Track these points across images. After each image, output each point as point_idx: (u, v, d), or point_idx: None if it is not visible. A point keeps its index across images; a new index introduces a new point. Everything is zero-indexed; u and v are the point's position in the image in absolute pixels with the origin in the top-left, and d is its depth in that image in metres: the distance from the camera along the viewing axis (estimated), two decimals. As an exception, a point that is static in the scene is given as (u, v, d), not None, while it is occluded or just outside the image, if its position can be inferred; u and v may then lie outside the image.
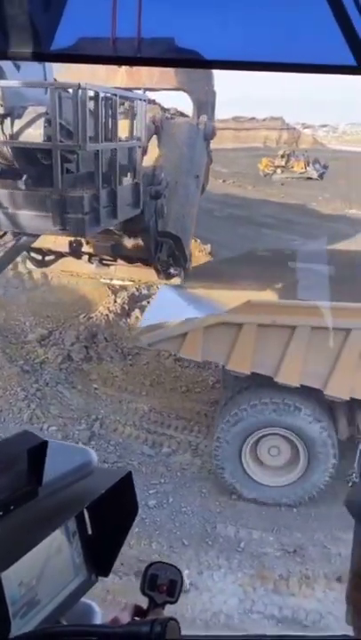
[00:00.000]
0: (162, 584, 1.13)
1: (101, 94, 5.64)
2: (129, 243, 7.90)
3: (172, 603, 1.12)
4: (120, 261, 8.67)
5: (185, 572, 5.95)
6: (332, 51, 0.92)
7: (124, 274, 9.50)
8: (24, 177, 5.78)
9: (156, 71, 7.72)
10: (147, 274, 9.03)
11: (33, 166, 5.81)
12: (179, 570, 1.12)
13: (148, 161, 7.80)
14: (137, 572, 5.93)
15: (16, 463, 1.09)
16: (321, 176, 29.36)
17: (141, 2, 0.99)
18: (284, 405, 7.27)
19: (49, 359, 10.06)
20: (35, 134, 5.57)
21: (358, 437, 7.34)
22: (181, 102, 9.01)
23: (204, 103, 8.55)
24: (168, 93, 8.82)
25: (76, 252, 8.10)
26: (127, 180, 6.89)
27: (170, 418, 9.01)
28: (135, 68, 7.38)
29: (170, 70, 7.49)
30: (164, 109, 9.18)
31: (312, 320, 7.07)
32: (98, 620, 1.26)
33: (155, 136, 8.11)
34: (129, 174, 6.98)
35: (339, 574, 6.24)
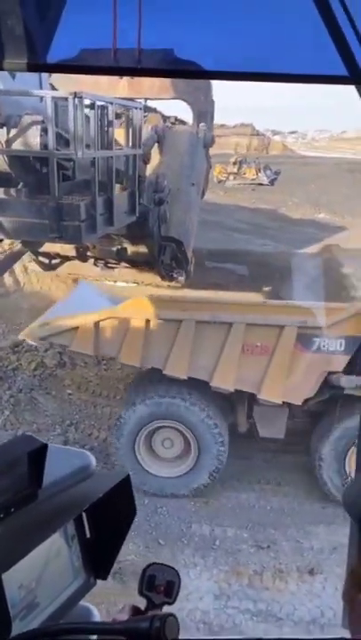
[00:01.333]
0: (159, 585, 1.12)
1: (97, 103, 5.72)
2: (133, 247, 8.11)
3: (169, 603, 1.11)
4: (124, 264, 8.86)
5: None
6: (325, 62, 0.97)
7: (127, 276, 9.60)
8: (20, 184, 5.80)
9: (156, 81, 7.93)
10: (150, 276, 9.25)
11: (29, 174, 5.84)
12: (176, 571, 1.11)
13: (151, 168, 8.03)
14: (113, 574, 5.93)
15: (16, 466, 1.10)
16: (272, 182, 29.90)
17: (142, 15, 1.04)
18: (173, 398, 7.48)
19: (22, 366, 9.97)
20: (31, 142, 5.59)
21: (257, 431, 7.75)
22: (181, 110, 9.28)
23: (204, 112, 8.91)
24: (168, 102, 9.12)
25: (82, 255, 8.29)
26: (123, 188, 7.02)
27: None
28: (136, 79, 7.52)
29: (170, 80, 7.66)
30: (165, 118, 9.42)
31: (197, 314, 7.36)
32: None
33: (156, 144, 8.33)
34: (125, 182, 7.11)
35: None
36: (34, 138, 5.54)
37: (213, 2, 1.04)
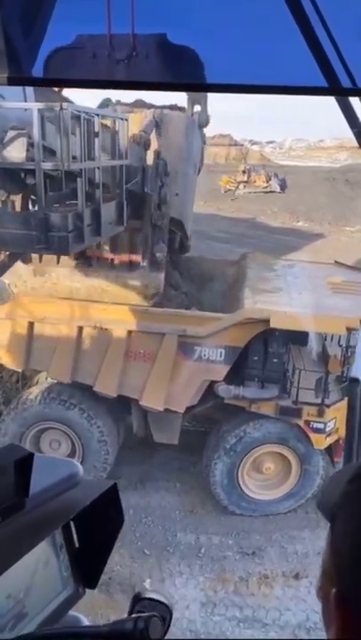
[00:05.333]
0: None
1: (83, 115, 5.76)
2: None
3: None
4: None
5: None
6: (305, 74, 0.99)
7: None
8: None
9: (152, 67, 8.00)
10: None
11: (17, 186, 5.88)
12: (168, 606, 1.06)
13: (151, 153, 8.21)
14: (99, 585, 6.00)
15: (3, 475, 1.09)
16: (283, 189, 29.88)
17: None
18: (61, 401, 7.77)
19: None
20: (17, 155, 5.62)
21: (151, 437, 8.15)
22: (180, 97, 9.62)
23: (198, 95, 9.30)
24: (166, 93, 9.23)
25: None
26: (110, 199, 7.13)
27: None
28: (133, 66, 7.58)
29: (165, 66, 7.80)
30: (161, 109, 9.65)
31: (81, 319, 7.62)
32: None
33: (155, 129, 8.56)
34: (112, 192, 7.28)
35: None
36: (20, 152, 5.59)
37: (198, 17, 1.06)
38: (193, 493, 8.32)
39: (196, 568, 7.06)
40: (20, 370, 8.30)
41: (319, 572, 0.83)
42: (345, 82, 0.99)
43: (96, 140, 6.13)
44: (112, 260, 8.29)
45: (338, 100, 1.24)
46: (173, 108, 9.48)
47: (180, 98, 9.61)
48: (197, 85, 1.30)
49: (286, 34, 0.97)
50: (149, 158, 8.19)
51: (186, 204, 9.25)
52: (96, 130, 6.12)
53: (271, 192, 29.64)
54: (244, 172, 30.68)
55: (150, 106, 9.14)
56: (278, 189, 29.76)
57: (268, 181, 30.19)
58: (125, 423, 8.35)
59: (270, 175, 30.51)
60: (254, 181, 30.34)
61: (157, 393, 7.57)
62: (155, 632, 0.95)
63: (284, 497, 8.05)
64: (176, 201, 8.72)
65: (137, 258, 8.32)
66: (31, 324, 7.62)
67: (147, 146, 8.13)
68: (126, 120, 7.22)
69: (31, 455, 1.11)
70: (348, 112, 1.28)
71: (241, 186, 30.05)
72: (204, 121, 9.72)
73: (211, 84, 1.18)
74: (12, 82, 1.22)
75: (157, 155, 8.24)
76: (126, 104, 9.15)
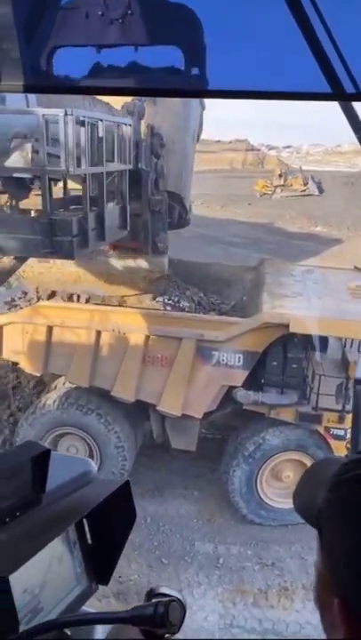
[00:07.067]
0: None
1: (87, 120, 5.79)
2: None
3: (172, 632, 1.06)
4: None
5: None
6: (309, 79, 0.99)
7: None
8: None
9: (148, 28, 7.91)
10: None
11: (22, 191, 5.91)
12: (181, 602, 1.06)
13: (146, 122, 8.02)
14: (116, 594, 5.94)
15: (20, 471, 1.13)
16: (321, 192, 29.38)
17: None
18: (79, 407, 7.73)
19: None
20: (22, 161, 5.66)
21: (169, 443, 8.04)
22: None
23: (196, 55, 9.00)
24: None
25: None
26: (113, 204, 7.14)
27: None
28: (127, 26, 7.53)
29: (161, 27, 7.70)
30: None
31: (99, 323, 7.53)
32: (99, 628, 1.26)
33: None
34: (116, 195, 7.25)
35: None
36: (25, 158, 5.63)
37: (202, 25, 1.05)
38: (211, 501, 8.19)
39: (215, 578, 6.92)
40: (38, 374, 8.25)
41: (315, 580, 0.82)
42: (348, 87, 0.98)
43: (100, 144, 6.13)
44: (114, 246, 8.20)
45: (341, 106, 1.24)
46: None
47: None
48: (200, 92, 1.27)
49: (289, 39, 0.96)
50: (143, 128, 7.83)
51: (184, 176, 8.90)
52: (100, 135, 6.11)
53: (310, 195, 29.24)
54: (280, 175, 30.33)
55: None
56: (317, 192, 29.32)
57: (305, 184, 29.82)
58: (143, 429, 8.27)
59: (307, 178, 30.14)
60: (291, 185, 30.00)
61: (175, 398, 7.49)
62: (174, 617, 0.96)
63: (304, 506, 7.86)
64: (173, 173, 8.42)
65: (139, 244, 8.23)
66: (50, 329, 7.59)
67: (141, 115, 7.77)
68: (130, 125, 7.15)
69: (48, 452, 1.14)
70: (352, 117, 1.28)
71: (278, 190, 29.69)
72: None
73: (213, 90, 1.16)
74: (9, 89, 1.17)
75: (151, 128, 7.92)
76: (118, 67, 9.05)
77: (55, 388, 8.38)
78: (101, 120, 6.25)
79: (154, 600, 1.02)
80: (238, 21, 1.03)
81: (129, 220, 7.35)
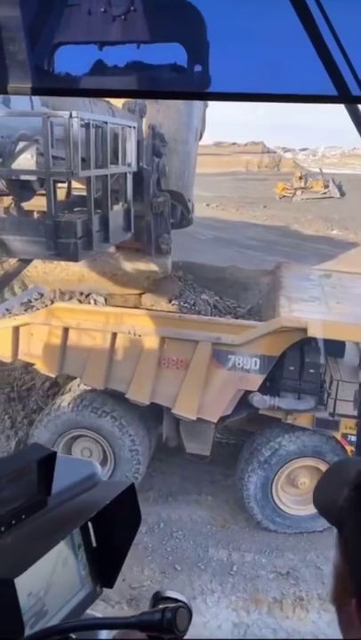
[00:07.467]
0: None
1: (92, 122, 5.73)
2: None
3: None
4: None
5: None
6: (315, 82, 0.98)
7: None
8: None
9: (151, 25, 7.88)
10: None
11: (26, 193, 5.90)
12: (187, 605, 1.06)
13: (148, 121, 7.92)
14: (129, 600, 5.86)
15: (26, 474, 1.13)
16: (342, 194, 28.95)
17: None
18: (93, 409, 7.66)
19: None
20: (27, 163, 5.63)
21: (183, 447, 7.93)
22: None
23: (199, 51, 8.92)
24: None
25: None
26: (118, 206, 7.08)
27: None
28: (130, 21, 7.51)
29: (164, 24, 7.66)
30: None
31: (115, 325, 7.48)
32: (103, 631, 1.25)
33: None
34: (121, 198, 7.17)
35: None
36: (30, 159, 5.61)
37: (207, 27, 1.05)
38: (225, 507, 8.09)
39: (228, 586, 6.82)
40: (53, 376, 8.23)
41: (332, 578, 0.82)
42: (354, 90, 0.98)
43: (104, 147, 6.05)
44: (118, 246, 8.15)
45: (348, 109, 1.23)
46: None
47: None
48: (204, 94, 1.26)
49: (294, 41, 0.96)
50: (145, 127, 7.72)
51: (186, 175, 8.79)
52: (105, 138, 6.04)
53: (330, 198, 28.99)
54: (300, 177, 30.05)
55: None
56: (338, 195, 29.02)
57: (326, 187, 29.53)
58: (157, 432, 8.20)
59: (327, 180, 29.83)
60: (312, 187, 29.73)
61: (190, 401, 7.40)
62: (182, 623, 0.95)
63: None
64: (175, 172, 8.33)
65: (143, 245, 8.19)
66: (66, 331, 7.57)
67: (142, 113, 7.66)
68: (134, 127, 7.12)
69: (54, 454, 1.15)
70: (358, 120, 1.28)
71: (298, 192, 29.43)
72: None
73: (217, 93, 1.15)
74: (14, 92, 1.17)
75: (153, 127, 7.80)
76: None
77: (70, 389, 8.35)
78: (106, 122, 6.11)
79: (161, 605, 1.02)
80: (242, 21, 1.02)
81: (133, 221, 7.30)
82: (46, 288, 8.98)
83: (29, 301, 8.76)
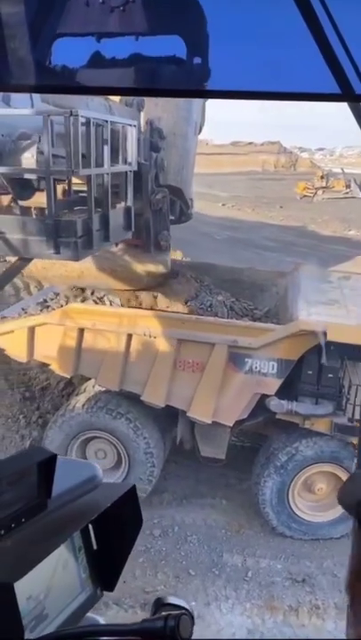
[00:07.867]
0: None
1: (93, 120, 5.67)
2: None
3: None
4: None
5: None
6: (318, 80, 0.98)
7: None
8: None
9: (150, 17, 7.84)
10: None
11: (26, 192, 5.89)
12: (190, 612, 1.05)
13: (146, 114, 7.77)
14: (142, 605, 5.81)
15: (27, 476, 1.13)
16: None
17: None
18: (108, 411, 7.61)
19: None
20: (27, 162, 5.61)
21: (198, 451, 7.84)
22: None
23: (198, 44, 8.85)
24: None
25: None
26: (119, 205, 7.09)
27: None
28: (128, 13, 7.46)
29: (163, 17, 7.61)
30: None
31: (131, 327, 7.43)
32: (103, 638, 1.23)
33: None
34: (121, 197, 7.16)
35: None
36: (30, 157, 5.60)
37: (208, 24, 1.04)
38: (240, 512, 7.99)
39: (243, 593, 6.72)
40: (68, 376, 8.22)
41: (348, 569, 0.83)
42: (358, 88, 0.98)
43: (105, 146, 6.01)
44: (116, 243, 8.09)
45: (351, 107, 1.23)
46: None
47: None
48: (204, 92, 1.22)
49: (296, 39, 0.95)
50: (142, 121, 7.64)
51: (185, 169, 8.67)
52: (105, 137, 6.00)
53: (353, 198, 28.71)
54: (322, 177, 29.92)
55: None
56: (360, 194, 28.81)
57: (348, 187, 29.25)
58: (171, 435, 8.12)
59: (349, 180, 29.58)
60: (333, 187, 29.50)
61: (206, 404, 7.30)
62: (185, 631, 0.95)
63: (336, 520, 7.59)
64: (174, 167, 8.24)
65: (142, 242, 8.16)
66: (81, 331, 7.53)
67: (140, 107, 7.57)
68: (135, 126, 7.05)
69: (54, 456, 1.14)
70: None
71: (320, 192, 29.20)
72: None
73: (217, 91, 1.13)
74: (16, 89, 1.12)
75: (151, 121, 7.71)
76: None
77: (84, 390, 8.32)
78: (107, 121, 6.06)
79: (163, 612, 1.01)
80: (244, 17, 1.01)
81: (133, 219, 7.26)
82: (62, 287, 8.96)
83: (45, 301, 8.74)
